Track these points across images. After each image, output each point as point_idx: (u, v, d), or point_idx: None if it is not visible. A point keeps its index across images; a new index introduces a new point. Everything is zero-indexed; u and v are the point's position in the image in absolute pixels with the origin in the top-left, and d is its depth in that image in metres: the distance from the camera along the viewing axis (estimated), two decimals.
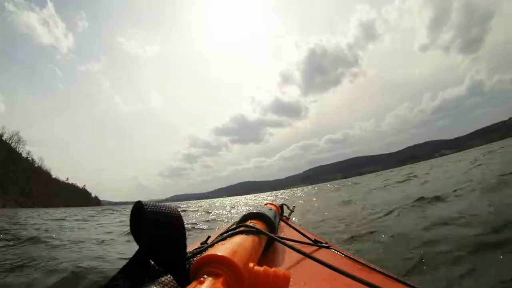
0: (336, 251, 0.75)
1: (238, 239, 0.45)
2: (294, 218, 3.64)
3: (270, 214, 0.71)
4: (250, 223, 0.61)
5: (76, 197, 78.80)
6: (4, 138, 52.47)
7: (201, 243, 0.72)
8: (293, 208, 1.56)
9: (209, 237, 0.78)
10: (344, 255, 0.73)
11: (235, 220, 0.76)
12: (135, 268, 0.34)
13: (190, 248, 0.55)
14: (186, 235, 0.35)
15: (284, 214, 1.43)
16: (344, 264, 0.67)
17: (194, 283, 0.31)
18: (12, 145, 53.96)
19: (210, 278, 0.32)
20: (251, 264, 0.36)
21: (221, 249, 0.35)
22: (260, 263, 0.40)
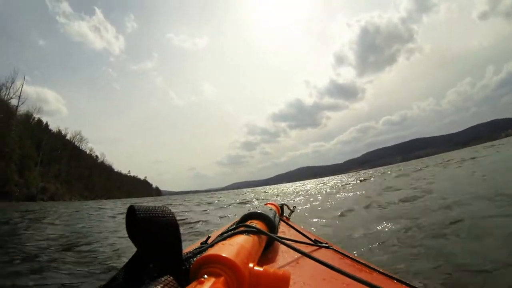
0: (336, 251, 0.74)
1: (238, 239, 0.45)
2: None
3: (270, 214, 0.70)
4: (250, 223, 0.61)
5: (138, 188, 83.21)
6: (67, 138, 56.21)
7: (201, 243, 0.72)
8: (293, 208, 1.52)
9: (209, 237, 0.78)
10: (344, 255, 0.73)
11: (235, 220, 0.75)
12: (135, 268, 0.34)
13: (190, 248, 0.56)
14: (181, 235, 0.35)
15: (284, 214, 1.40)
16: (344, 264, 0.67)
17: (194, 283, 0.31)
18: (75, 143, 57.84)
19: (210, 278, 0.31)
20: (251, 264, 0.36)
21: (221, 249, 0.35)
22: (260, 263, 0.40)
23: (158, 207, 0.35)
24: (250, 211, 0.70)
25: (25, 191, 36.21)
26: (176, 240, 0.34)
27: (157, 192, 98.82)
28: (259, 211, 0.69)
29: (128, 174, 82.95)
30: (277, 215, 0.82)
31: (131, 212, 0.33)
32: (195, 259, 0.36)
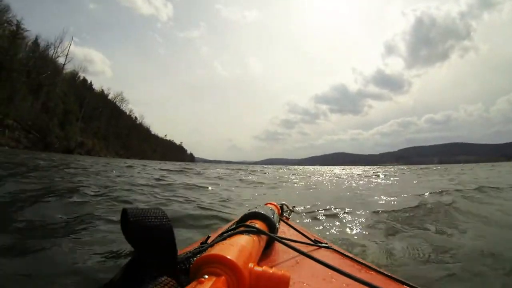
0: (336, 251, 0.75)
1: (238, 239, 0.45)
2: None
3: (270, 214, 0.70)
4: (250, 223, 0.61)
5: (173, 152, 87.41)
6: (109, 97, 59.76)
7: (201, 243, 0.71)
8: (293, 208, 1.49)
9: (209, 236, 0.77)
10: (344, 255, 0.73)
11: (235, 220, 0.75)
12: (134, 269, 0.34)
13: (190, 247, 0.57)
14: (175, 235, 0.35)
15: (284, 214, 1.38)
16: (344, 264, 0.67)
17: (194, 283, 0.31)
18: (116, 103, 61.47)
19: (210, 278, 0.31)
20: (251, 264, 0.36)
21: (221, 249, 0.35)
22: (260, 263, 0.40)
23: (152, 209, 0.35)
24: (250, 210, 0.69)
25: (65, 144, 39.54)
26: (170, 241, 0.34)
27: (191, 158, 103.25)
28: (259, 211, 0.68)
29: (165, 138, 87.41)
30: (277, 215, 0.82)
31: (124, 215, 0.33)
32: (195, 259, 0.36)
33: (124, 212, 0.33)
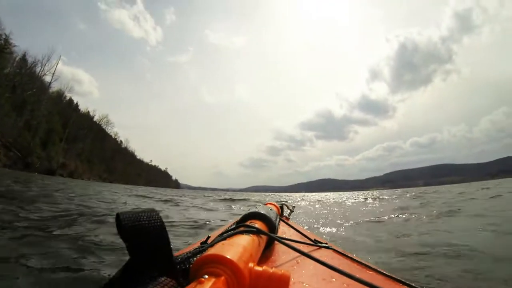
0: (336, 251, 0.75)
1: (238, 239, 0.45)
2: None
3: (270, 214, 0.71)
4: (250, 223, 0.61)
5: (157, 178, 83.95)
6: (95, 119, 57.70)
7: (201, 243, 0.72)
8: (293, 208, 1.53)
9: (209, 237, 0.78)
10: (344, 255, 0.73)
11: (235, 220, 0.75)
12: (133, 270, 0.34)
13: (190, 247, 0.57)
14: (169, 237, 0.36)
15: (284, 214, 1.40)
16: (344, 264, 0.67)
17: (194, 283, 0.31)
18: (101, 126, 59.25)
19: (210, 278, 0.31)
20: (251, 264, 0.36)
21: (221, 249, 0.35)
22: (260, 263, 0.40)
23: (145, 211, 0.35)
24: (250, 211, 0.69)
25: (46, 164, 36.75)
26: (164, 243, 0.34)
27: (176, 185, 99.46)
28: (259, 211, 0.68)
29: (149, 163, 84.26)
30: (277, 215, 0.82)
31: (118, 220, 0.33)
32: (195, 259, 0.36)
33: (118, 216, 0.34)
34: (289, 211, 1.46)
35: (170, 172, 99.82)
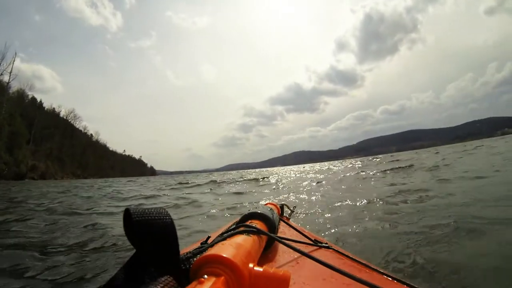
0: (336, 251, 0.75)
1: (238, 239, 0.45)
2: None
3: (270, 214, 0.71)
4: (250, 223, 0.61)
5: (133, 167, 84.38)
6: (61, 115, 56.27)
7: (201, 243, 0.71)
8: (293, 208, 1.50)
9: (209, 237, 0.77)
10: (344, 255, 0.73)
11: (235, 220, 0.76)
12: (135, 268, 0.34)
13: (190, 247, 0.56)
14: (178, 236, 0.36)
15: (284, 214, 1.38)
16: (344, 264, 0.67)
17: (194, 283, 0.31)
18: (69, 121, 57.90)
19: (210, 278, 0.32)
20: (251, 264, 0.36)
21: (221, 249, 0.35)
22: (260, 263, 0.40)
23: (155, 208, 0.35)
24: (250, 211, 0.69)
25: (15, 169, 36.83)
26: (173, 241, 0.35)
27: (151, 172, 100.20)
28: (259, 211, 0.68)
29: (123, 153, 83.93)
30: (277, 215, 0.83)
31: (128, 215, 0.33)
32: (195, 259, 0.37)
33: (127, 211, 0.34)
34: (289, 211, 1.44)
35: (144, 160, 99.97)
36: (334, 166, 23.09)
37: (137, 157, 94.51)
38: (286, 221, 1.08)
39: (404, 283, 0.57)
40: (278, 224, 0.84)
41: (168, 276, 0.34)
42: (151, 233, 0.33)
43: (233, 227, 0.58)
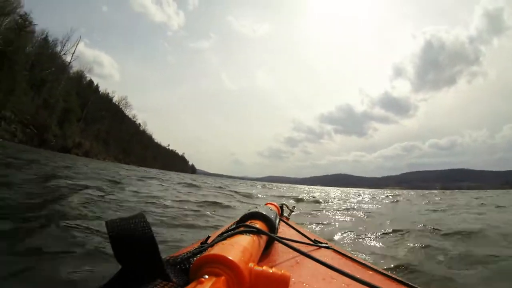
0: (336, 251, 0.75)
1: (238, 239, 0.45)
2: None
3: (270, 214, 0.71)
4: (250, 223, 0.61)
5: (174, 162, 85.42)
6: (114, 101, 58.89)
7: (201, 243, 0.72)
8: (293, 208, 1.55)
9: (209, 237, 0.78)
10: (344, 255, 0.73)
11: (235, 220, 0.75)
12: (127, 276, 0.34)
13: (190, 247, 0.58)
14: (156, 240, 0.35)
15: (284, 214, 1.42)
16: (344, 264, 0.67)
17: (194, 283, 0.31)
18: (120, 108, 60.51)
19: (210, 278, 0.31)
20: (251, 264, 0.36)
21: (221, 249, 0.35)
22: (260, 263, 0.40)
23: (132, 217, 0.35)
24: (250, 211, 0.69)
25: (61, 143, 37.85)
26: (152, 247, 0.34)
27: (192, 170, 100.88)
28: (259, 211, 0.68)
29: (167, 147, 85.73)
30: (277, 215, 0.82)
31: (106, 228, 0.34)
32: (195, 259, 0.36)
33: (106, 225, 0.34)
34: (289, 211, 1.46)
35: (187, 157, 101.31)
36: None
37: (180, 153, 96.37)
38: (286, 221, 1.09)
39: (404, 283, 0.58)
40: (278, 224, 0.84)
41: (161, 281, 0.34)
42: (128, 244, 0.33)
43: (233, 227, 0.58)
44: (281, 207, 1.30)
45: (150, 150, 70.40)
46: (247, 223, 0.60)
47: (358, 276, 0.42)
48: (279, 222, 0.87)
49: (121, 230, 0.33)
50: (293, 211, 1.50)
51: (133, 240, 0.33)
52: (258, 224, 0.61)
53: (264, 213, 0.68)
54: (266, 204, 1.05)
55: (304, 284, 0.50)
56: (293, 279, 0.40)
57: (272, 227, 0.66)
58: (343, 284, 0.50)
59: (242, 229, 0.52)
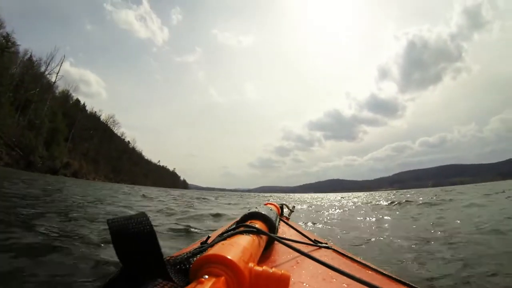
0: (336, 251, 0.75)
1: (238, 239, 0.45)
2: None
3: (270, 214, 0.71)
4: (250, 223, 0.61)
5: (165, 178, 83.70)
6: (101, 119, 57.64)
7: (201, 243, 0.72)
8: (293, 208, 1.54)
9: (209, 237, 0.78)
10: (344, 255, 0.73)
11: (235, 220, 0.76)
12: (128, 275, 0.34)
13: (190, 247, 0.58)
14: (158, 238, 0.35)
15: (284, 214, 1.42)
16: (344, 264, 0.67)
17: (194, 283, 0.31)
18: (108, 126, 59.24)
19: (210, 278, 0.31)
20: (251, 264, 0.36)
21: (221, 249, 0.35)
22: (260, 263, 0.40)
23: (134, 216, 0.35)
24: (250, 211, 0.69)
25: (49, 164, 36.44)
26: (154, 247, 0.34)
27: (184, 185, 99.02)
28: (259, 211, 0.68)
29: (158, 164, 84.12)
30: (277, 215, 0.82)
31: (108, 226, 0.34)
32: (195, 259, 0.36)
33: (108, 223, 0.34)
34: (289, 211, 1.45)
35: (178, 172, 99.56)
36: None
37: (171, 168, 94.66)
38: (286, 221, 1.10)
39: (404, 283, 0.58)
40: (278, 224, 0.84)
41: (162, 280, 0.34)
42: (130, 243, 0.33)
43: (233, 227, 0.58)
44: (281, 207, 1.29)
45: (141, 167, 68.86)
46: (247, 223, 0.59)
47: (358, 276, 0.42)
48: (279, 222, 0.87)
49: (123, 229, 0.33)
50: (293, 211, 1.49)
51: (135, 239, 0.33)
52: (258, 224, 0.61)
53: (264, 213, 0.67)
54: (266, 204, 1.05)
55: (304, 284, 0.50)
56: (293, 279, 0.40)
57: (272, 227, 0.66)
58: (343, 284, 0.50)
59: (242, 229, 0.51)
